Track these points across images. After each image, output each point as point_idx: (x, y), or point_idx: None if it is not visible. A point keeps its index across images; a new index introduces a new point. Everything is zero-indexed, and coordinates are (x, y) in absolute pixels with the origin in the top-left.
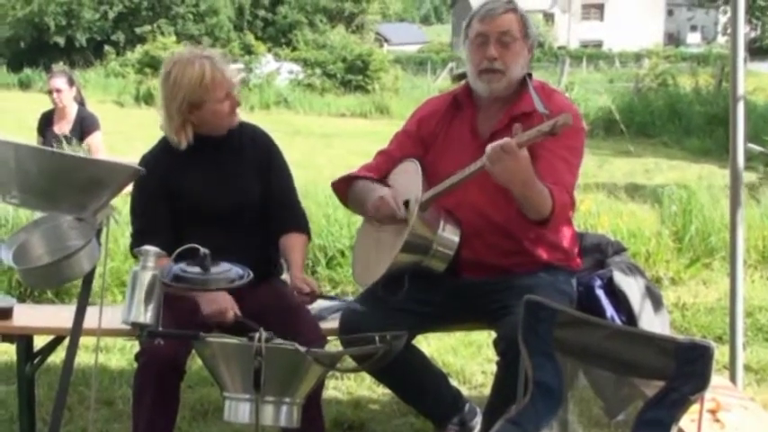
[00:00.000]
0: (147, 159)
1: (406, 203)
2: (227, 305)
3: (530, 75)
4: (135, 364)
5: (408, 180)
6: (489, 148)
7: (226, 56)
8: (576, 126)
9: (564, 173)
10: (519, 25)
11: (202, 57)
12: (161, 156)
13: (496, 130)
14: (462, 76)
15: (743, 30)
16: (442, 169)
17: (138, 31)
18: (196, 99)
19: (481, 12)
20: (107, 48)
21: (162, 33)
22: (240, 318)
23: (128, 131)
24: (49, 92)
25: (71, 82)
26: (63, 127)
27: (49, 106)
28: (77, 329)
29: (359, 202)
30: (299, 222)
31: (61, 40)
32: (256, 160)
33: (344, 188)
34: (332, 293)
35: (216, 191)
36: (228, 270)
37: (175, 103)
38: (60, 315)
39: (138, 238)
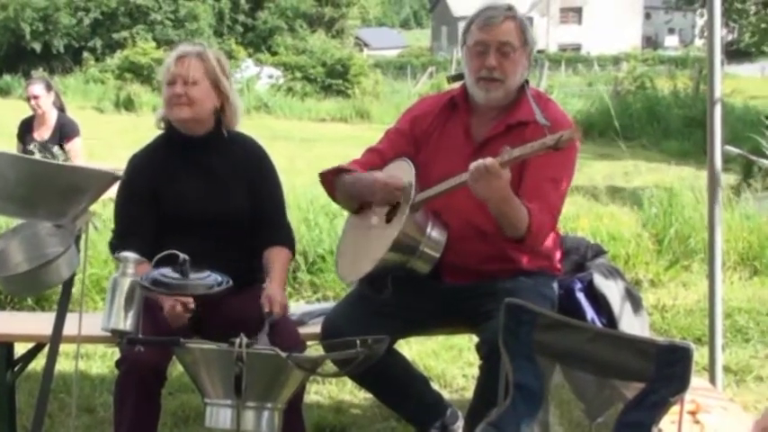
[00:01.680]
0: (136, 160)
1: (397, 203)
2: (172, 300)
3: (527, 82)
4: (116, 372)
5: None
6: (473, 165)
7: (220, 60)
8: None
9: (550, 193)
10: (518, 33)
11: (197, 47)
12: (150, 158)
13: (491, 135)
14: (458, 77)
15: (719, 33)
16: (434, 170)
17: (115, 36)
18: (162, 75)
19: (481, 18)
20: (86, 54)
21: (141, 39)
22: (191, 308)
23: (108, 138)
24: (28, 99)
25: (49, 87)
26: (43, 133)
27: (29, 113)
28: (57, 336)
29: (348, 192)
30: (284, 237)
31: (38, 46)
32: (246, 171)
33: (332, 180)
34: (313, 299)
35: (202, 198)
36: (207, 276)
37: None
38: (40, 322)
39: (119, 238)
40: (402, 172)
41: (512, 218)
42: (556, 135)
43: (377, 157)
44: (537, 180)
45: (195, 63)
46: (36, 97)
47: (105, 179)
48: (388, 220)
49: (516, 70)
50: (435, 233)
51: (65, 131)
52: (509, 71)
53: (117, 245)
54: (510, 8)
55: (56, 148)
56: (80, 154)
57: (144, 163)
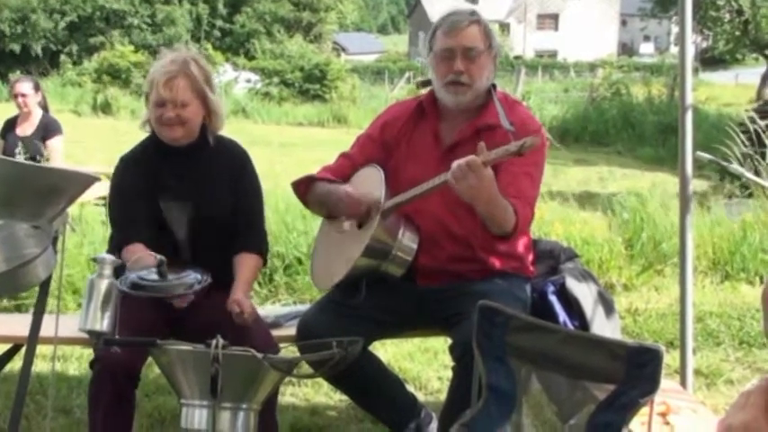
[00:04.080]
0: (125, 161)
1: (368, 211)
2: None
3: (494, 86)
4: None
5: (371, 186)
6: (455, 164)
7: (204, 71)
8: (540, 141)
9: (527, 187)
10: (483, 37)
11: (181, 61)
12: (138, 159)
13: (459, 139)
14: (427, 83)
15: (691, 40)
16: (404, 176)
17: (92, 41)
18: (147, 87)
19: (446, 24)
20: (63, 57)
21: (118, 43)
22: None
23: (86, 141)
24: (15, 96)
25: (37, 87)
26: (26, 129)
27: (10, 113)
28: (34, 338)
29: (320, 202)
30: (257, 244)
31: (17, 48)
32: (229, 175)
33: (305, 189)
34: (290, 301)
35: (186, 200)
36: (186, 275)
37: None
38: (17, 323)
39: (121, 231)
40: (371, 180)
41: (500, 218)
42: (519, 142)
43: (347, 163)
44: (512, 175)
45: (183, 84)
46: (24, 95)
47: (83, 181)
48: (360, 225)
49: (483, 74)
50: (407, 237)
51: (48, 129)
52: (476, 75)
53: (121, 238)
54: (473, 13)
55: (40, 146)
56: (60, 152)
57: (132, 163)
